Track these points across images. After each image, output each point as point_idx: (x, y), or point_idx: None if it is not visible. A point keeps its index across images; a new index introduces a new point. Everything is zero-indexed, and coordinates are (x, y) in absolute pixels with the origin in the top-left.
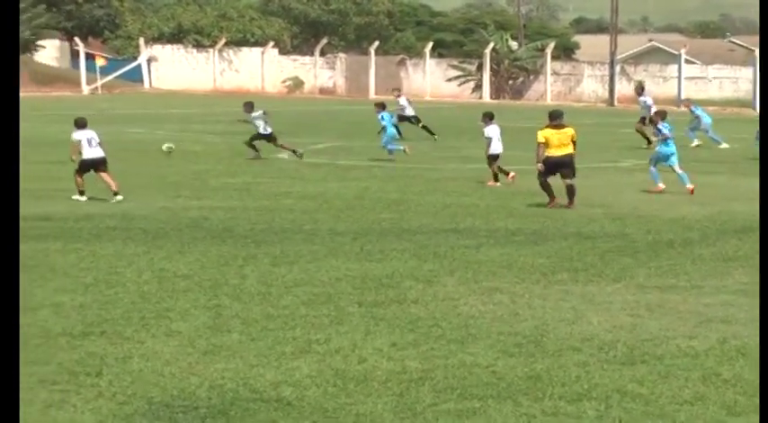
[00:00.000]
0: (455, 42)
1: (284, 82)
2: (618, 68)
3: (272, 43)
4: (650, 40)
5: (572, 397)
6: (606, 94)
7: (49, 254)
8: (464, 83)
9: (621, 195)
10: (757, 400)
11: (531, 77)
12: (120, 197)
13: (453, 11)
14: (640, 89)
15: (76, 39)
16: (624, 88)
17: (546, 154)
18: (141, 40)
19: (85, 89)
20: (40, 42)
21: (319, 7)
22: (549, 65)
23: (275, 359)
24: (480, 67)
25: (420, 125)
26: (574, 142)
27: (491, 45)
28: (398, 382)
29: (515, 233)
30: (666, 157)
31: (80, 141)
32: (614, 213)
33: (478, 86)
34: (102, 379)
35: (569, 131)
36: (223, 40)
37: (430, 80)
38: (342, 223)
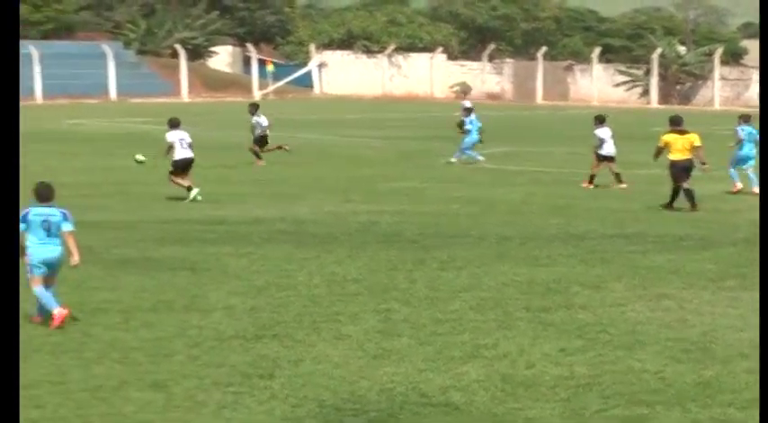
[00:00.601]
0: (622, 47)
1: (452, 87)
2: None
3: (440, 49)
4: None
5: (741, 404)
6: None
7: (222, 257)
8: (631, 88)
9: None
10: None
11: (699, 83)
12: (195, 192)
13: (621, 16)
14: None
15: (248, 45)
16: None
17: (670, 158)
18: (312, 46)
19: (257, 94)
20: (213, 48)
21: (487, 13)
22: (718, 70)
23: (444, 364)
24: (648, 73)
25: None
26: (695, 147)
27: (659, 50)
28: (566, 388)
29: (683, 238)
30: (743, 160)
31: (173, 142)
32: None
33: (646, 91)
34: (275, 381)
35: (692, 137)
36: (392, 46)
37: (597, 85)
38: (509, 228)
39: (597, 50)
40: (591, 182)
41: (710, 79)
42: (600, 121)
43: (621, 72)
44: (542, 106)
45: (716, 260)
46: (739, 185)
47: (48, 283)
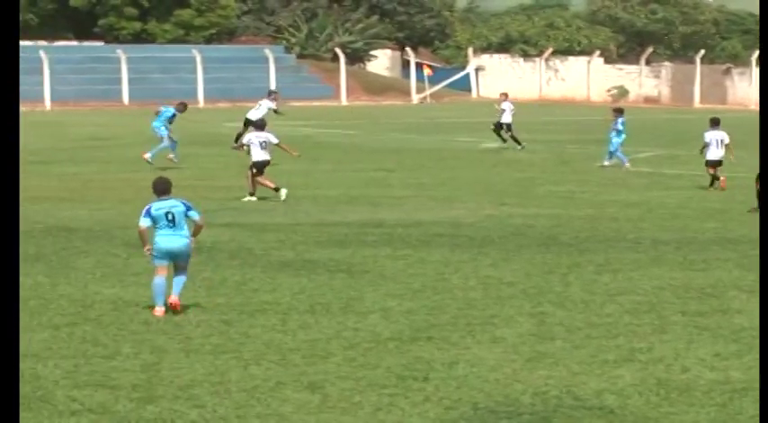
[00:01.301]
0: None
1: (609, 91)
2: None
3: (597, 52)
4: None
5: None
6: None
7: (379, 259)
8: None
9: None
10: None
11: None
12: (253, 198)
13: None
14: None
15: (407, 49)
16: None
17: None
18: (470, 50)
19: (415, 98)
20: (372, 52)
21: (646, 17)
22: None
23: (598, 367)
24: None
25: (509, 134)
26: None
27: None
28: (721, 393)
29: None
30: None
31: (251, 143)
32: None
33: None
34: (429, 384)
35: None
36: (550, 50)
37: (756, 89)
38: (665, 232)
39: (756, 53)
40: (710, 184)
41: None
42: (713, 123)
43: None
44: (699, 110)
45: None
46: None
47: (178, 270)
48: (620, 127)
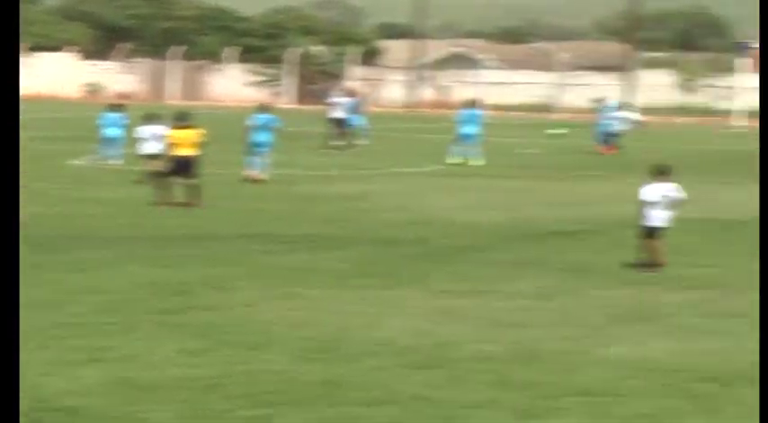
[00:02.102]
0: (259, 47)
1: (83, 87)
2: (422, 73)
3: (71, 47)
4: (455, 46)
5: (368, 402)
6: (410, 99)
7: None
8: (268, 88)
9: (422, 200)
10: (547, 404)
11: (336, 82)
12: None
13: (259, 16)
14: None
15: None
16: (428, 93)
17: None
18: None
19: None
20: None
21: (120, 12)
22: (353, 70)
23: (63, 368)
24: (284, 72)
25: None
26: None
27: (295, 50)
28: (189, 390)
29: (315, 239)
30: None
31: None
32: (414, 218)
33: (283, 91)
34: None
35: (193, 133)
36: (26, 45)
37: (232, 85)
38: (137, 229)
39: (232, 50)
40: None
41: (346, 79)
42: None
43: (257, 72)
44: (172, 106)
45: (347, 259)
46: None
47: None
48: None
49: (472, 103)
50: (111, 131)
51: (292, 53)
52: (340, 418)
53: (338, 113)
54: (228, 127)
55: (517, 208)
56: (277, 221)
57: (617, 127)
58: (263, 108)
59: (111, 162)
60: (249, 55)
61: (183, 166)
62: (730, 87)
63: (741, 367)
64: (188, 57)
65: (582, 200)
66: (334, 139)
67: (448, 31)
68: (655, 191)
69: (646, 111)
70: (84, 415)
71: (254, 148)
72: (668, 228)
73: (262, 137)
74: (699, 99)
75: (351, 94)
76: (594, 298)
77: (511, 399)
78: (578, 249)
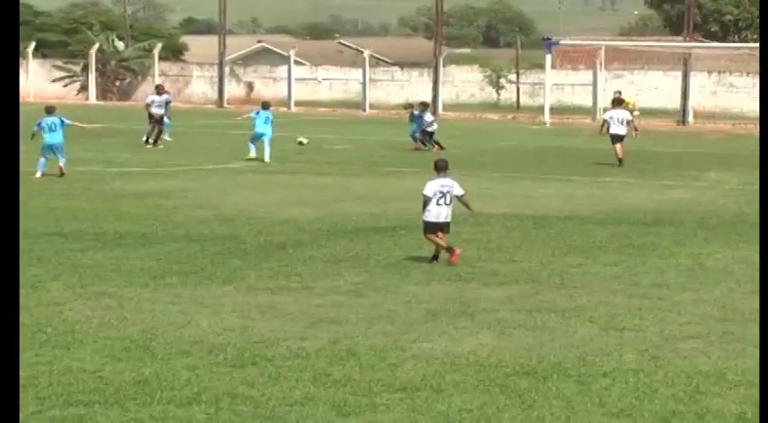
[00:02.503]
0: (60, 43)
1: None
2: (227, 70)
3: None
4: (259, 42)
5: (181, 401)
6: (216, 96)
7: None
8: (70, 84)
9: (232, 197)
10: (366, 400)
11: (139, 78)
12: None
13: (57, 10)
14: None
15: None
16: (234, 89)
17: None
18: None
19: None
20: None
21: None
22: (157, 66)
23: None
24: (86, 68)
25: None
26: None
27: (96, 45)
28: None
29: (123, 236)
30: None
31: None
32: (224, 215)
33: (84, 87)
34: None
35: None
36: None
37: (33, 81)
38: None
39: (32, 45)
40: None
41: (150, 75)
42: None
43: (59, 67)
44: None
45: (156, 257)
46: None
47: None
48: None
49: (267, 105)
50: None
51: (93, 48)
52: (154, 418)
53: (155, 110)
54: (32, 123)
55: (330, 204)
56: (85, 220)
57: (428, 127)
58: (49, 110)
59: None
60: (49, 50)
61: None
62: (540, 84)
63: (556, 361)
64: None
65: (395, 196)
66: (151, 135)
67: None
68: (435, 186)
69: (455, 107)
70: None
71: (46, 150)
72: (449, 222)
73: (55, 138)
74: (506, 95)
75: (161, 91)
76: (411, 294)
77: (330, 395)
78: (393, 246)
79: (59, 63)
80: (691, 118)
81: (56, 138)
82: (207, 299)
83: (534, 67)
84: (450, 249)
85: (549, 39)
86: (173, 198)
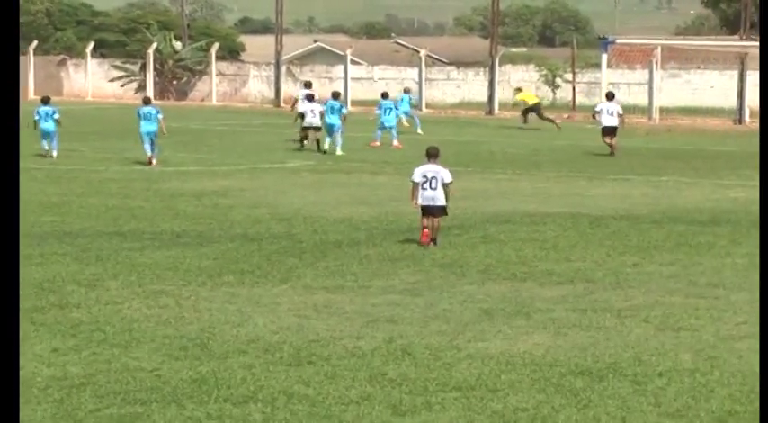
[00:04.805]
0: (118, 42)
1: None
2: (284, 69)
3: None
4: (316, 41)
5: (238, 399)
6: (272, 95)
7: None
8: (127, 83)
9: (288, 196)
10: (421, 400)
11: (196, 78)
12: None
13: (115, 10)
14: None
15: None
16: (290, 89)
17: None
18: None
19: None
20: None
21: None
22: (214, 65)
23: None
24: (144, 68)
25: None
26: None
27: (154, 45)
28: (59, 388)
29: (181, 235)
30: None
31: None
32: (280, 214)
33: (142, 87)
34: None
35: None
36: None
37: (92, 81)
38: None
39: (91, 45)
40: None
41: (207, 75)
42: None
43: (117, 67)
44: (35, 102)
45: (213, 256)
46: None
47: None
48: None
49: (336, 94)
50: None
51: (151, 48)
52: (210, 417)
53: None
54: (90, 123)
55: (385, 203)
56: (143, 218)
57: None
58: (44, 100)
59: None
60: (108, 50)
61: None
62: (596, 83)
63: (612, 361)
64: (42, 52)
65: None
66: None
67: (307, 26)
68: (421, 171)
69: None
70: None
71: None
72: (441, 206)
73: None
74: (561, 94)
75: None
76: (466, 293)
77: (385, 394)
78: (448, 245)
79: (117, 63)
80: (747, 117)
81: (50, 126)
82: (263, 298)
83: (590, 67)
84: (429, 233)
85: (605, 38)
86: (229, 197)
